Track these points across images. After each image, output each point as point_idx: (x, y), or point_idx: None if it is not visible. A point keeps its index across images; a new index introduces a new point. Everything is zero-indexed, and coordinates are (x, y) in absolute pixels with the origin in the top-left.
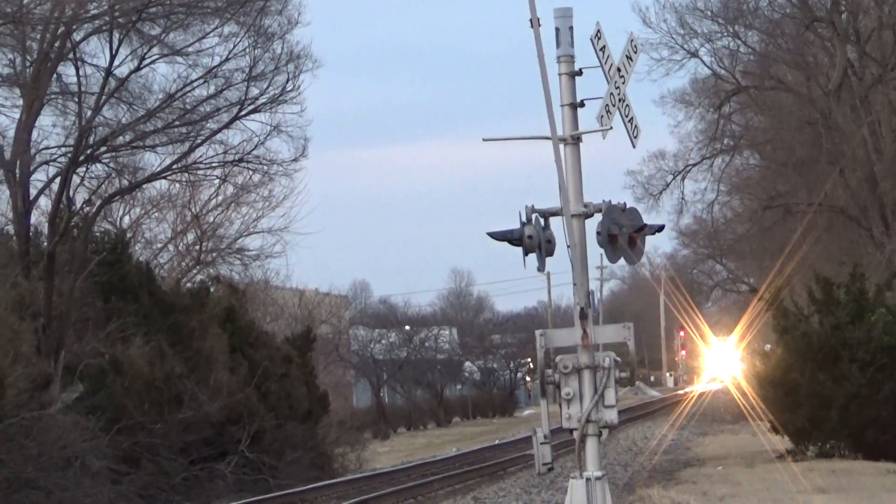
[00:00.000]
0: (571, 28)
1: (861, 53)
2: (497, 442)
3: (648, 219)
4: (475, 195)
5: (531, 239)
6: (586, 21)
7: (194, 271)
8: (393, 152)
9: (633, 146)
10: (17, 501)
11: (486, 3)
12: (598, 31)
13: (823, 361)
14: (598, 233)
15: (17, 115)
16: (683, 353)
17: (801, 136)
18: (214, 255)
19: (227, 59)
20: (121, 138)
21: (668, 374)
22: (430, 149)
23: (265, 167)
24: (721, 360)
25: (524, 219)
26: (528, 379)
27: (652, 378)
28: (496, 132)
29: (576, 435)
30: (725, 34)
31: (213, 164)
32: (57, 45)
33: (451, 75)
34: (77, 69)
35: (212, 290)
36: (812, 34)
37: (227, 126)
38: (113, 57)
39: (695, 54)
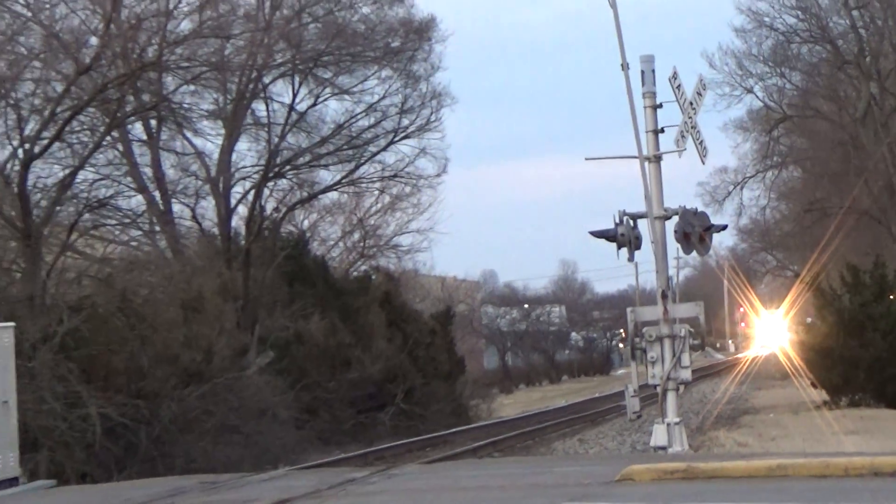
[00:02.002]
0: (654, 71)
1: (882, 89)
2: (597, 395)
3: (714, 220)
4: (579, 201)
5: (623, 236)
6: (665, 65)
7: (359, 263)
8: (514, 167)
9: (703, 163)
10: (223, 442)
11: (585, 52)
12: (675, 73)
13: (853, 331)
14: (675, 231)
15: (220, 142)
16: (743, 325)
17: (834, 154)
18: (375, 250)
19: (383, 97)
20: (301, 159)
21: (729, 342)
22: (544, 165)
23: (414, 181)
24: (771, 330)
25: (617, 220)
26: (620, 346)
27: (717, 345)
28: (594, 153)
29: (658, 389)
30: (774, 74)
31: (374, 179)
32: (251, 86)
33: (559, 107)
34: (266, 105)
35: (373, 277)
36: (843, 74)
37: (384, 149)
38: (294, 95)
39: (750, 90)
